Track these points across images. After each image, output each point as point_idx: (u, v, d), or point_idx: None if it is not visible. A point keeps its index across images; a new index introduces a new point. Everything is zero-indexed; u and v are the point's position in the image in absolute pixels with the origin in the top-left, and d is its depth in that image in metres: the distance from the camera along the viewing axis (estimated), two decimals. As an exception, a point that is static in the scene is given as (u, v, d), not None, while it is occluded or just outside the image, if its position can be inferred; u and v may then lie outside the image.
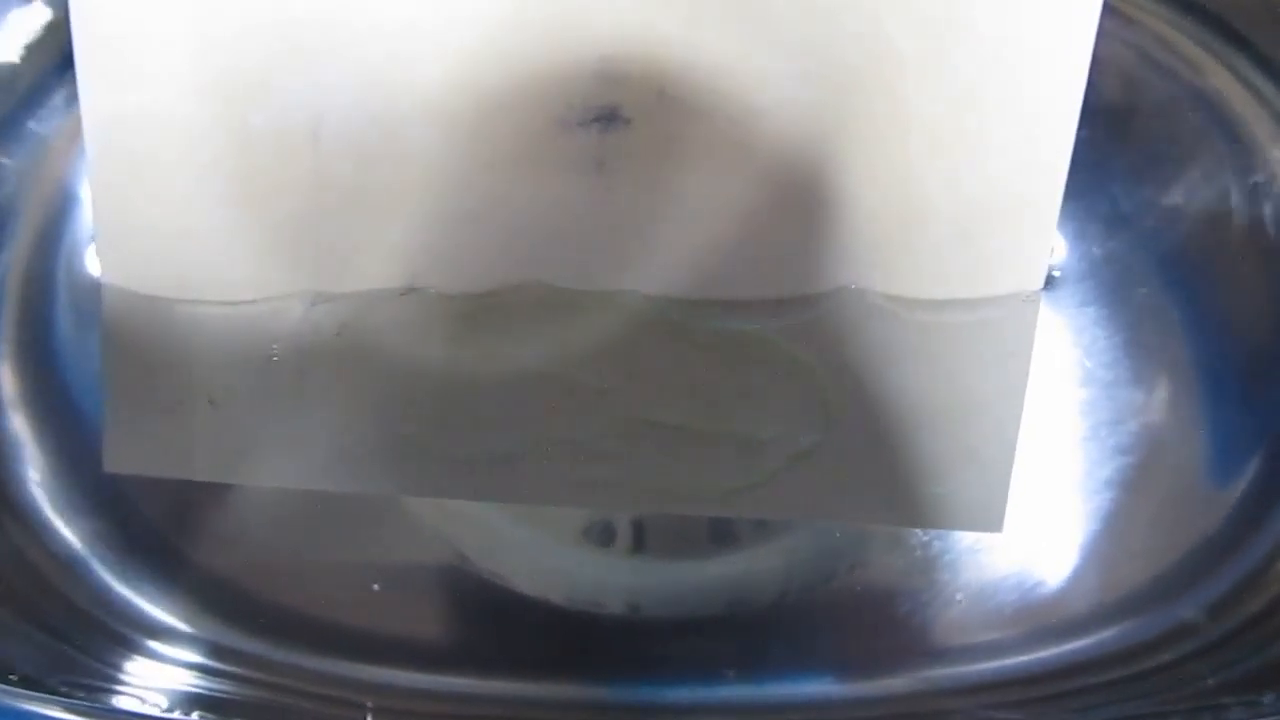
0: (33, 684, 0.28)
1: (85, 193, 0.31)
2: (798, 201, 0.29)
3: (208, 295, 0.30)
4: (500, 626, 0.31)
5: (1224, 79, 0.32)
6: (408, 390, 0.30)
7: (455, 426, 0.30)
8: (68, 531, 0.32)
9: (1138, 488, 0.30)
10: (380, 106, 0.29)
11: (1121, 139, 0.31)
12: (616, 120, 0.28)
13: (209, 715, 0.30)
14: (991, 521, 0.29)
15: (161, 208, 0.29)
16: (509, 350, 0.30)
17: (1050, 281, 0.30)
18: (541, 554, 0.31)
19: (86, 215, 0.31)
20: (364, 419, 0.30)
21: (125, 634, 0.32)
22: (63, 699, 0.28)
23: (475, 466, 0.30)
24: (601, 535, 0.31)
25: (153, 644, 0.32)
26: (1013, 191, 0.28)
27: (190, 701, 0.31)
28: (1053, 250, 0.30)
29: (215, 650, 0.32)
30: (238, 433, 0.30)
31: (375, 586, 0.31)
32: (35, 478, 0.32)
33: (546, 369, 0.30)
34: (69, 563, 0.32)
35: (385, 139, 0.29)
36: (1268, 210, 0.31)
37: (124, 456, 0.31)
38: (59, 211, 0.32)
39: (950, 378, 0.29)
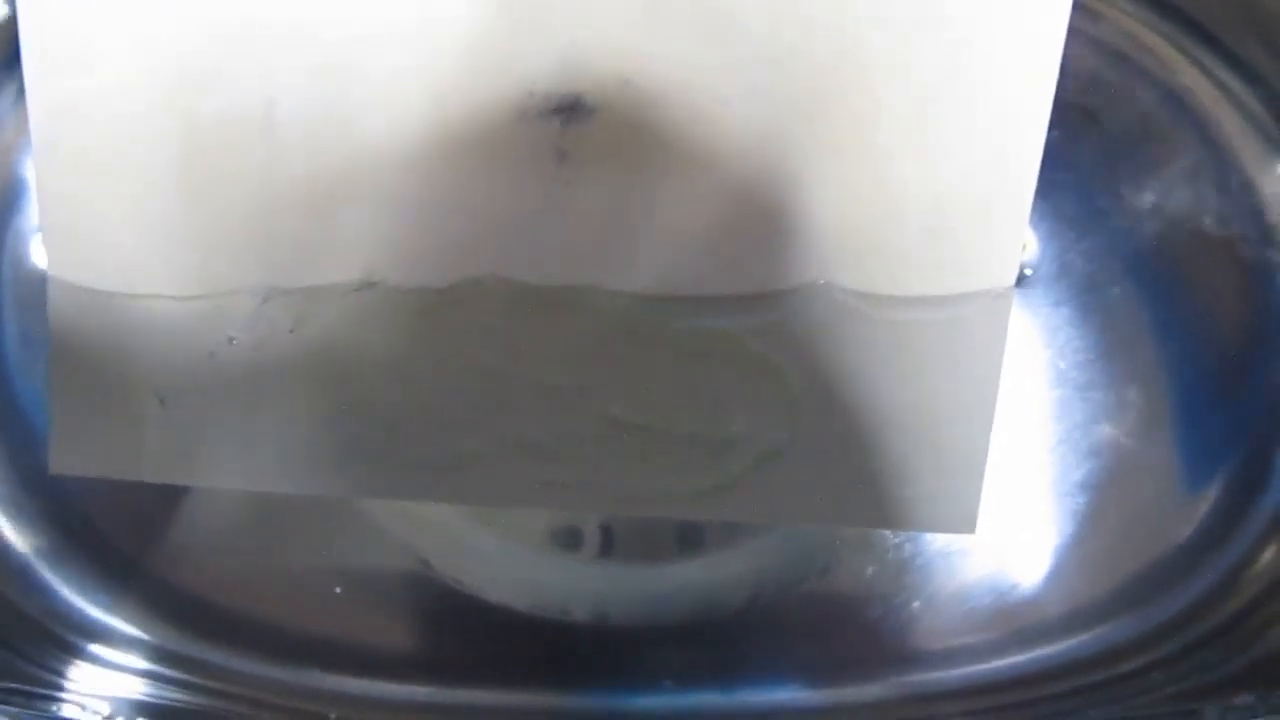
0: None
1: (31, 184, 0.31)
2: (764, 195, 0.28)
3: (157, 289, 0.29)
4: (465, 634, 0.31)
5: (1194, 77, 0.32)
6: (364, 389, 0.29)
7: (413, 426, 0.29)
8: (11, 533, 0.31)
9: (1111, 491, 0.30)
10: (334, 94, 0.28)
11: (1092, 138, 0.31)
12: (579, 110, 0.28)
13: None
14: (964, 523, 0.29)
15: (109, 199, 0.29)
16: (468, 347, 0.29)
17: (1022, 280, 0.30)
18: (506, 559, 0.31)
19: (33, 208, 0.31)
20: (319, 418, 0.29)
21: (69, 639, 0.31)
22: (1, 707, 0.27)
23: (434, 468, 0.29)
24: (567, 540, 0.31)
25: (98, 649, 0.31)
26: (984, 187, 0.28)
27: (135, 709, 0.30)
28: (1025, 247, 0.30)
29: (164, 656, 0.31)
30: (188, 433, 0.29)
31: (335, 591, 0.31)
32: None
33: (507, 367, 0.29)
34: (12, 565, 0.31)
35: (339, 128, 0.28)
36: (1239, 210, 0.31)
37: (71, 457, 0.30)
38: (3, 204, 0.31)
39: (921, 376, 0.29)
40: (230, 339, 0.29)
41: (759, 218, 0.28)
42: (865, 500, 0.29)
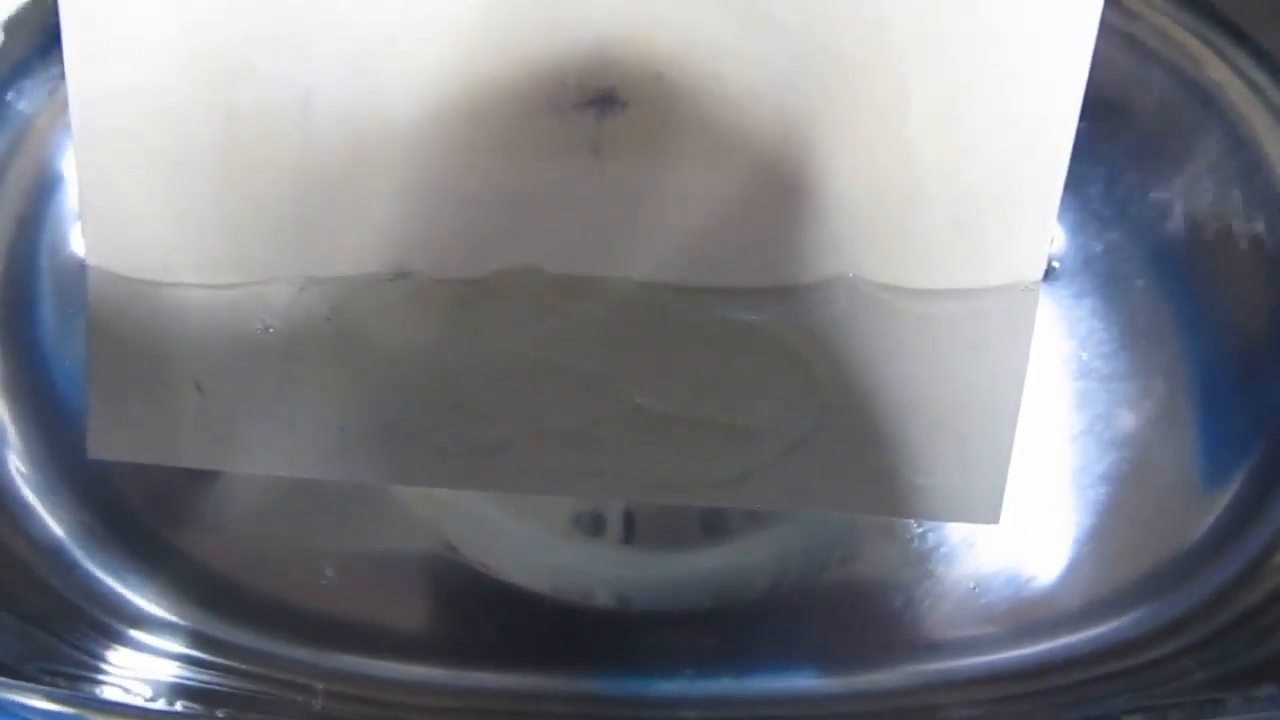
0: (10, 672, 0.28)
1: (69, 173, 0.31)
2: (794, 187, 0.28)
3: (194, 278, 0.30)
4: (491, 618, 0.31)
5: (1222, 72, 0.32)
6: (398, 377, 0.30)
7: (446, 414, 0.30)
8: (49, 518, 0.32)
9: (1133, 482, 0.30)
10: (371, 86, 0.28)
11: (1119, 132, 0.31)
12: (613, 103, 0.28)
13: (192, 705, 0.30)
14: (988, 513, 0.29)
15: (148, 188, 0.29)
16: (501, 336, 0.29)
17: (1049, 273, 0.30)
18: (530, 544, 0.31)
19: (70, 197, 0.31)
20: (353, 406, 0.30)
21: (108, 623, 0.31)
22: (44, 687, 0.27)
23: (466, 455, 0.30)
24: (591, 526, 0.31)
25: (137, 634, 0.31)
26: (1013, 180, 0.28)
27: (174, 691, 0.30)
28: (1052, 240, 0.30)
29: (201, 640, 0.31)
30: (224, 419, 0.30)
31: (363, 575, 0.31)
32: (17, 464, 0.32)
33: (538, 355, 0.29)
34: (50, 550, 0.32)
35: (375, 120, 0.28)
36: (1264, 205, 0.31)
37: (109, 442, 0.30)
38: (42, 193, 0.31)
39: (947, 368, 0.29)
40: (267, 327, 0.30)
41: (788, 210, 0.29)
42: (890, 490, 0.29)
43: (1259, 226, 0.31)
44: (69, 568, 0.32)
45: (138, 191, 0.29)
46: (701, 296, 0.29)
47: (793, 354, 0.29)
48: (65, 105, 0.30)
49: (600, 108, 0.28)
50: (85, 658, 0.31)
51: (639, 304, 0.29)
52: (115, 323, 0.30)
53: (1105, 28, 0.27)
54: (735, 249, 0.29)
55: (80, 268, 0.30)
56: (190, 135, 0.29)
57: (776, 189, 0.28)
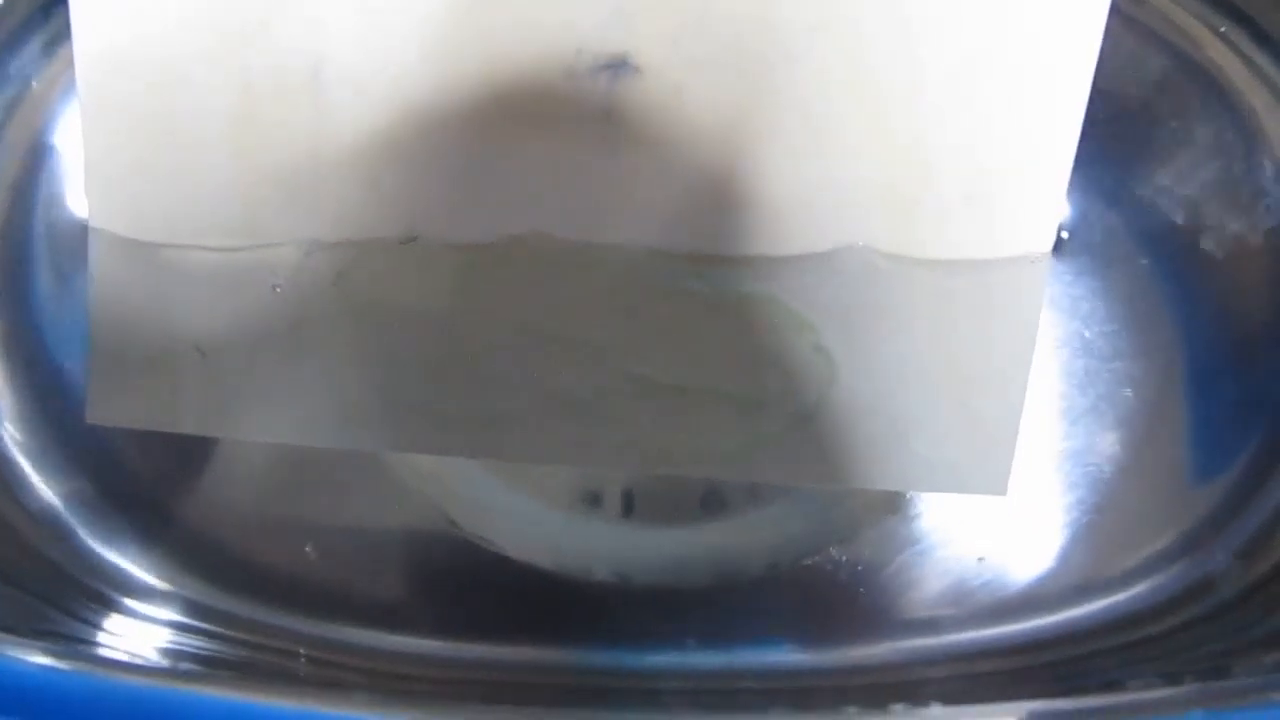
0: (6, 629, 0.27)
1: (65, 137, 0.30)
2: (806, 155, 0.28)
3: (200, 240, 0.29)
4: (483, 590, 0.31)
5: (1223, 54, 0.32)
6: (405, 342, 0.29)
7: (452, 381, 0.29)
8: (43, 485, 0.31)
9: (1135, 458, 0.30)
10: (383, 50, 0.28)
11: (1122, 113, 0.31)
12: (626, 69, 0.28)
13: (194, 668, 0.29)
14: (995, 485, 0.29)
15: (155, 150, 0.29)
16: (509, 303, 0.29)
17: (1057, 245, 0.30)
18: (527, 518, 0.31)
19: (68, 160, 0.31)
20: (359, 372, 0.30)
21: (103, 591, 0.31)
22: (41, 643, 0.27)
23: (468, 423, 0.29)
24: (589, 500, 0.31)
25: (130, 601, 0.31)
26: (1024, 152, 0.28)
27: (170, 657, 0.30)
28: (1061, 214, 0.30)
29: (195, 608, 0.31)
30: (227, 385, 0.29)
31: (361, 546, 0.31)
32: (11, 430, 0.31)
33: (544, 323, 0.29)
34: (44, 517, 0.31)
35: (387, 84, 0.28)
36: (1266, 186, 0.31)
37: (108, 407, 0.30)
38: (40, 155, 0.31)
39: (956, 340, 0.29)
40: (274, 288, 0.29)
41: (798, 179, 0.29)
42: (897, 462, 0.29)
43: (1259, 205, 0.31)
44: (63, 535, 0.31)
45: (144, 153, 0.29)
46: (711, 265, 0.29)
47: (801, 324, 0.29)
48: (64, 67, 0.29)
49: (613, 73, 0.28)
50: (78, 624, 0.30)
51: (647, 272, 0.29)
52: (117, 286, 0.29)
53: (1110, 10, 0.27)
54: (746, 217, 0.29)
55: (77, 231, 0.30)
56: (198, 98, 0.28)
57: (788, 158, 0.28)
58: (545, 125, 0.28)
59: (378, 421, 0.30)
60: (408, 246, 0.29)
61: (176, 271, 0.29)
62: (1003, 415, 0.29)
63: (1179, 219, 0.31)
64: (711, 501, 0.31)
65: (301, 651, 0.31)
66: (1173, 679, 0.28)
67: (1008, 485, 0.29)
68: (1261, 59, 0.32)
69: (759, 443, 0.29)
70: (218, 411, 0.30)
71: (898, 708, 0.28)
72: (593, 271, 0.29)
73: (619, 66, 0.28)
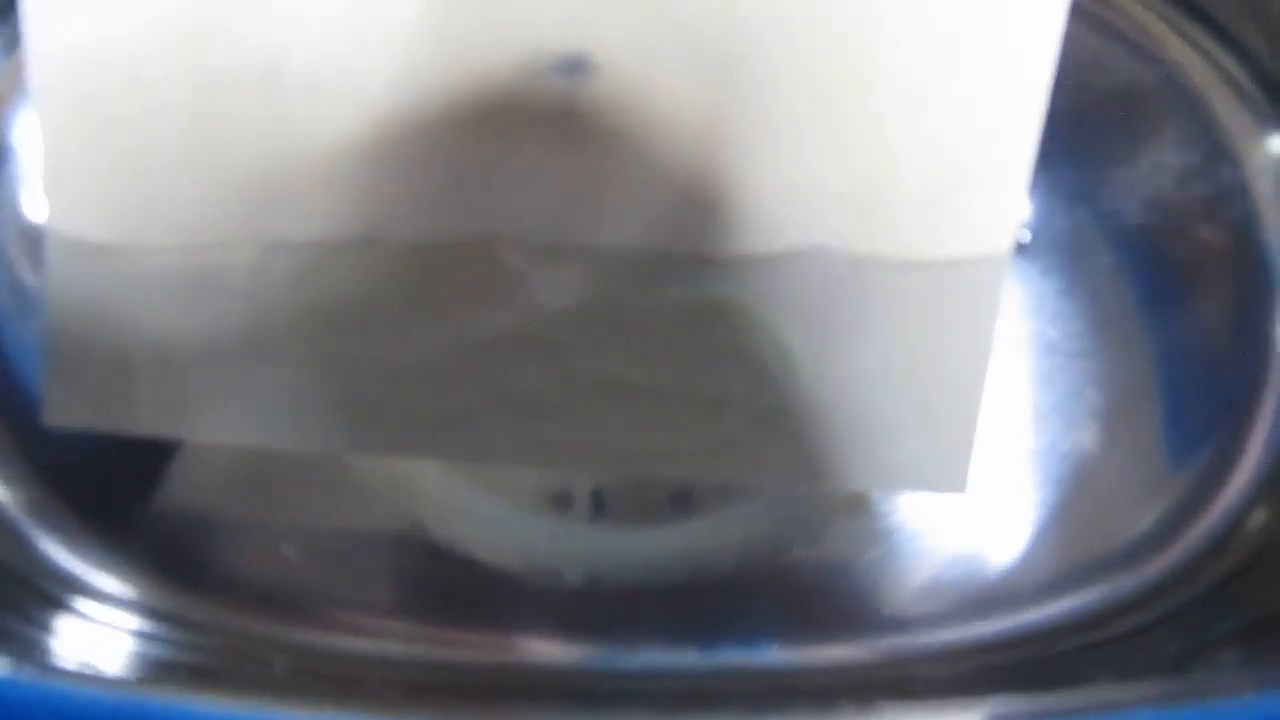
0: None
1: (20, 137, 0.30)
2: (764, 156, 0.28)
3: (157, 241, 0.29)
4: (453, 592, 0.31)
5: (1185, 52, 0.32)
6: (364, 344, 0.29)
7: (412, 383, 0.29)
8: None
9: (1099, 457, 0.30)
10: (342, 49, 0.28)
11: (1083, 111, 0.31)
12: (584, 67, 0.28)
13: (152, 673, 0.29)
14: (955, 482, 0.29)
15: (112, 150, 0.28)
16: (468, 304, 0.29)
17: (1018, 249, 0.30)
18: (496, 519, 0.31)
19: (23, 161, 0.30)
20: (317, 374, 0.29)
21: (57, 595, 0.31)
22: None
23: (432, 424, 0.29)
24: (558, 501, 0.31)
25: (85, 605, 0.31)
26: (984, 152, 0.28)
27: (129, 662, 0.30)
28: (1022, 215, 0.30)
29: (152, 611, 0.31)
30: (185, 386, 0.29)
31: (324, 548, 0.31)
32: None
33: (507, 325, 0.29)
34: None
35: (345, 85, 0.28)
36: (1227, 183, 0.31)
37: (65, 409, 0.30)
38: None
39: (916, 339, 0.29)
40: (230, 292, 0.29)
41: (758, 178, 0.29)
42: (858, 461, 0.29)
43: (1221, 203, 0.31)
44: (11, 535, 0.31)
45: (102, 155, 0.28)
46: (672, 265, 0.29)
47: (761, 324, 0.29)
48: (19, 67, 0.29)
49: (571, 72, 0.28)
50: (33, 631, 0.30)
51: (607, 271, 0.29)
52: (74, 287, 0.29)
53: (1071, 8, 0.27)
54: (705, 217, 0.29)
55: (31, 232, 0.30)
56: (156, 95, 0.28)
57: (748, 157, 0.28)
58: (506, 126, 0.28)
59: (340, 423, 0.29)
60: (368, 247, 0.29)
61: (134, 273, 0.29)
62: (961, 413, 0.29)
63: (1143, 218, 0.31)
64: (681, 501, 0.31)
65: (274, 659, 0.30)
66: (1138, 675, 0.28)
67: (967, 483, 0.29)
68: (1222, 57, 0.32)
69: (721, 443, 0.29)
70: (177, 413, 0.29)
71: (878, 705, 0.28)
72: (553, 272, 0.29)
73: (578, 65, 0.28)
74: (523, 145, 0.28)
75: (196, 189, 0.29)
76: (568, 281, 0.29)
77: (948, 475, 0.29)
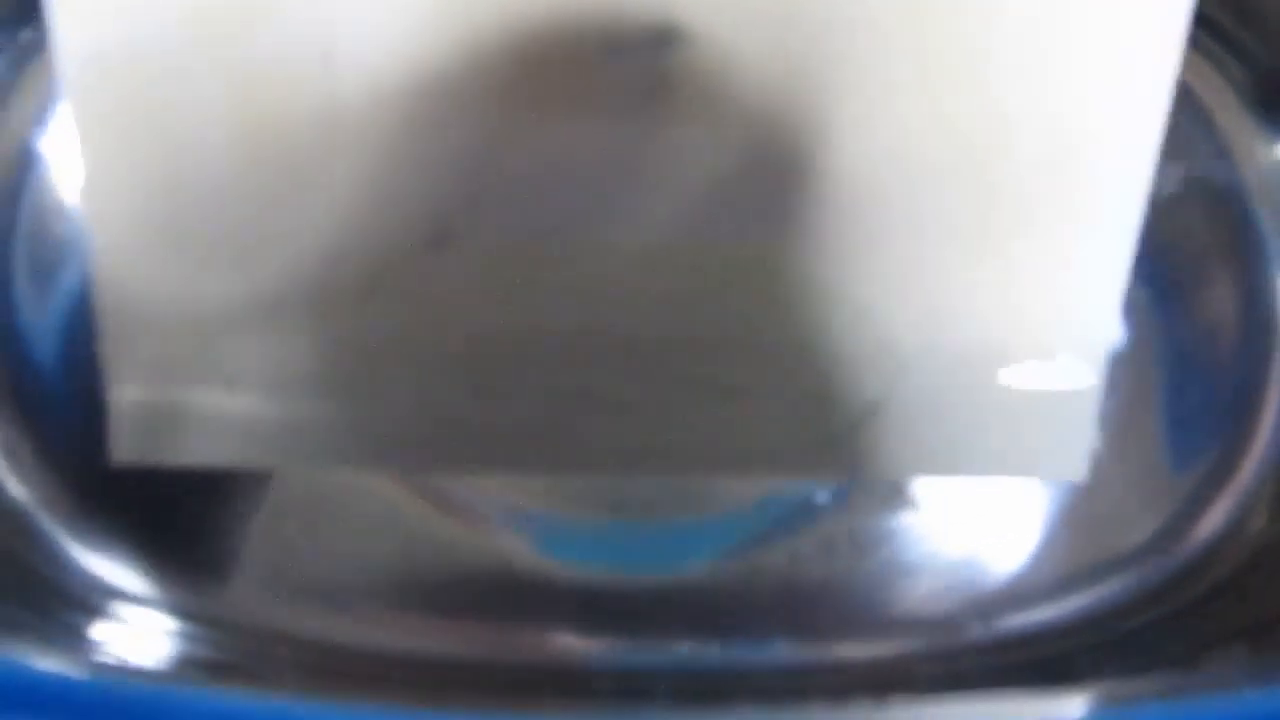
0: None
1: (48, 146, 0.29)
2: (867, 130, 0.26)
3: (209, 249, 0.27)
4: (472, 591, 0.31)
5: (1185, 54, 0.33)
6: (445, 358, 0.28)
7: (499, 394, 0.28)
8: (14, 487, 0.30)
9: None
10: (401, 34, 0.25)
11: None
12: (672, 40, 0.25)
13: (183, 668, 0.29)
14: (1074, 469, 0.29)
15: (158, 153, 0.26)
16: (553, 307, 0.27)
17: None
18: (516, 517, 0.31)
19: (53, 172, 0.29)
20: (395, 390, 0.28)
21: (84, 596, 0.30)
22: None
23: (521, 436, 0.28)
24: (577, 499, 0.31)
25: (114, 606, 0.30)
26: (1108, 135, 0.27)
27: (162, 662, 0.29)
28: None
29: (185, 613, 0.30)
30: (253, 410, 0.28)
31: (345, 549, 0.30)
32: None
33: (596, 325, 0.28)
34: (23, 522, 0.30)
35: (407, 72, 0.25)
36: (1222, 180, 0.32)
37: (132, 445, 0.28)
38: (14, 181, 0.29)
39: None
40: (291, 307, 0.27)
41: (861, 155, 0.27)
42: (970, 449, 0.28)
43: (1215, 200, 0.32)
44: (40, 539, 0.30)
45: (147, 158, 0.26)
46: (763, 256, 0.27)
47: (866, 314, 0.28)
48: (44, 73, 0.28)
49: (657, 46, 0.25)
50: (60, 631, 0.29)
51: (698, 267, 0.27)
52: (128, 310, 0.27)
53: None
54: (804, 200, 0.27)
55: (60, 245, 0.29)
56: (201, 94, 0.25)
57: (848, 131, 0.26)
58: (584, 111, 0.26)
59: (420, 441, 0.28)
60: (436, 249, 0.27)
61: (190, 294, 0.27)
62: (1080, 396, 0.28)
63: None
64: (697, 499, 0.31)
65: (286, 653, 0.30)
66: (1142, 673, 0.29)
67: (1086, 470, 0.29)
68: (1224, 60, 0.33)
69: (825, 440, 0.28)
70: (243, 440, 0.28)
71: (887, 701, 0.28)
72: (642, 269, 0.27)
73: (664, 39, 0.25)
74: (605, 131, 0.26)
75: (249, 192, 0.26)
76: (659, 278, 0.27)
77: (1066, 463, 0.29)
